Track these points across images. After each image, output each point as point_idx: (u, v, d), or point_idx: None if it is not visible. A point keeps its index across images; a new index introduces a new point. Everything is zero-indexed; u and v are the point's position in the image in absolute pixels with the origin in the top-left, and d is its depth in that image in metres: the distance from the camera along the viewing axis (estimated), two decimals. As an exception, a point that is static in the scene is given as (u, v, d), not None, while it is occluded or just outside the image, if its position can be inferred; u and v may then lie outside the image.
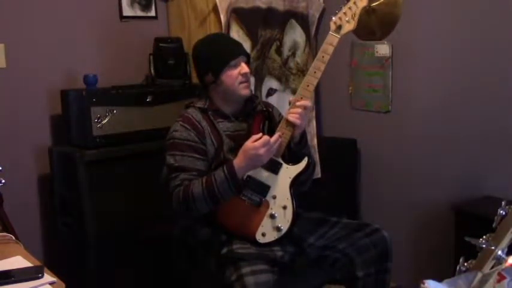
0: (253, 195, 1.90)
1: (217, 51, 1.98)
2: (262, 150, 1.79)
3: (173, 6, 3.00)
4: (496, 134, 2.43)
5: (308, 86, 1.88)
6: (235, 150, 1.93)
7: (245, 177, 1.88)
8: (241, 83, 1.96)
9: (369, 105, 2.94)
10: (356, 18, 1.86)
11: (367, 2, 1.89)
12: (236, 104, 2.03)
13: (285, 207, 1.90)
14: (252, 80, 2.79)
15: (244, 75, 1.96)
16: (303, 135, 1.96)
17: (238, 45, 2.05)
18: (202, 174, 1.88)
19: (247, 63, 2.03)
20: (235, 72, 1.95)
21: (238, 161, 1.82)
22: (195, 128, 1.94)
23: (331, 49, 1.86)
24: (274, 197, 1.91)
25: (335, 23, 1.87)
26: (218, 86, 1.98)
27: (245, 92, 1.98)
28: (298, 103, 1.87)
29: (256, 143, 1.80)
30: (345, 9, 1.86)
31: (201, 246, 2.00)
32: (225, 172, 1.82)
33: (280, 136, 1.85)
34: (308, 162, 1.93)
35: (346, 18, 1.86)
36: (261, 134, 1.83)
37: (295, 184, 1.93)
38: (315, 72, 1.87)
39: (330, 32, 1.87)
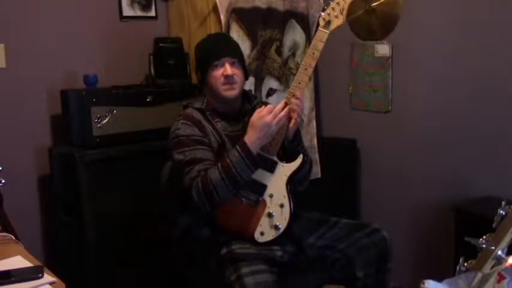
0: (250, 194, 1.90)
1: (205, 52, 2.00)
2: (269, 117, 1.79)
3: (173, 6, 3.00)
4: (496, 134, 2.43)
5: (300, 83, 1.88)
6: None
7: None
8: (223, 84, 1.95)
9: (369, 105, 2.94)
10: (345, 13, 1.87)
11: None
12: (227, 104, 2.02)
13: (282, 206, 1.90)
14: (252, 80, 2.79)
15: (226, 77, 1.94)
16: (297, 132, 1.96)
17: (226, 46, 2.02)
18: (215, 163, 1.86)
19: (242, 64, 2.02)
20: (218, 73, 1.95)
21: (248, 137, 1.82)
22: (196, 124, 1.95)
23: (321, 45, 1.86)
24: (271, 196, 1.91)
25: (324, 19, 1.88)
26: (207, 85, 2.00)
27: (228, 93, 1.96)
28: (296, 100, 1.87)
29: (262, 112, 1.80)
30: (333, 4, 1.88)
31: (201, 247, 2.00)
32: (239, 151, 1.81)
33: (286, 104, 1.84)
34: (303, 159, 1.93)
35: (335, 14, 1.87)
36: (263, 107, 1.84)
37: (292, 182, 1.93)
38: (305, 69, 1.87)
39: (320, 28, 1.88)
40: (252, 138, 1.82)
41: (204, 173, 1.83)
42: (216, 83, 1.95)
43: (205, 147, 1.91)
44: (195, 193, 1.82)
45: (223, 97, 1.97)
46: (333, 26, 1.87)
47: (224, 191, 1.81)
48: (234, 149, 1.83)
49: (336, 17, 1.87)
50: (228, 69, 1.94)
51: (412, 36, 2.69)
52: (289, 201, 1.90)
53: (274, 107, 1.83)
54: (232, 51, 2.01)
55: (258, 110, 1.83)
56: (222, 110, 2.01)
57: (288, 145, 1.93)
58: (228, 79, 1.94)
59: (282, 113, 1.83)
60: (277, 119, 1.81)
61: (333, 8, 1.87)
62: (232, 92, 1.97)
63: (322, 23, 1.88)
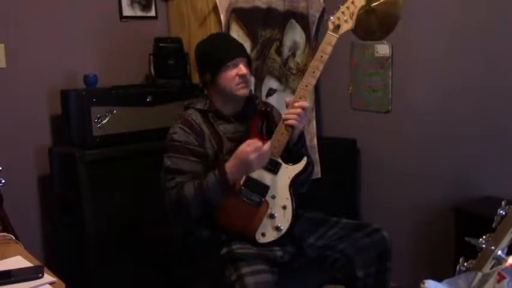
0: (252, 195, 1.90)
1: (216, 52, 1.97)
2: (252, 156, 1.76)
3: (173, 6, 3.00)
4: (496, 134, 2.43)
5: (307, 86, 1.88)
6: (234, 152, 1.93)
7: (243, 180, 1.88)
8: (238, 84, 1.95)
9: (369, 105, 2.94)
10: (354, 17, 1.87)
11: (365, 2, 1.89)
12: (235, 104, 2.02)
13: (284, 207, 1.90)
14: (252, 80, 2.79)
15: (241, 76, 1.94)
16: (301, 135, 1.95)
17: (237, 46, 2.03)
18: (197, 176, 1.87)
19: (249, 64, 2.03)
20: (232, 73, 1.94)
21: (229, 165, 1.81)
22: (194, 131, 1.94)
23: (329, 49, 1.86)
24: (273, 197, 1.91)
25: (333, 22, 1.87)
26: (216, 87, 1.98)
27: (242, 92, 1.96)
28: (296, 104, 1.87)
29: (248, 148, 1.77)
30: (343, 8, 1.87)
31: (201, 247, 2.01)
32: (216, 175, 1.81)
33: (273, 145, 1.84)
34: (307, 162, 1.93)
35: (345, 18, 1.87)
36: (255, 140, 1.80)
37: (295, 184, 1.93)
38: (313, 72, 1.87)
39: (328, 32, 1.87)
40: (232, 167, 1.81)
41: (181, 186, 1.85)
42: (229, 83, 1.94)
43: (195, 159, 1.91)
44: (168, 202, 1.87)
45: (237, 96, 1.97)
46: (342, 30, 1.88)
47: (194, 207, 1.83)
48: (212, 173, 1.83)
49: (346, 21, 1.87)
50: (243, 69, 1.95)
51: (412, 36, 2.69)
52: (291, 203, 1.90)
53: (261, 146, 1.78)
54: (243, 51, 2.02)
55: (248, 141, 1.79)
56: (226, 111, 2.01)
57: (292, 147, 1.93)
58: (243, 79, 1.95)
59: (267, 154, 1.81)
60: (260, 158, 1.79)
61: (342, 12, 1.87)
62: (246, 91, 1.98)
63: (331, 26, 1.87)
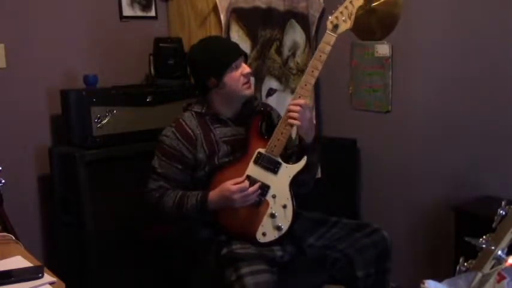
0: None
1: (218, 54, 1.96)
2: (236, 196, 1.80)
3: (173, 6, 3.00)
4: (496, 134, 2.43)
5: (306, 85, 1.89)
6: (231, 154, 1.94)
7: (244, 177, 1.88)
8: (244, 83, 1.96)
9: (369, 105, 2.94)
10: (352, 17, 1.88)
11: (363, 2, 1.90)
12: (237, 106, 2.03)
13: (285, 207, 1.90)
14: (252, 80, 2.79)
15: (246, 75, 1.96)
16: (314, 142, 1.94)
17: (236, 46, 2.04)
18: (181, 184, 1.94)
19: (246, 61, 2.04)
20: (237, 73, 1.95)
21: (213, 194, 1.85)
22: (186, 138, 1.94)
23: (328, 48, 1.87)
24: (274, 197, 1.91)
25: (332, 22, 1.88)
26: (221, 89, 1.96)
27: (249, 91, 1.98)
28: (293, 101, 1.87)
29: (234, 187, 1.80)
30: (341, 8, 1.88)
31: (201, 247, 2.01)
32: (198, 199, 1.86)
33: (260, 187, 1.86)
34: (307, 161, 1.93)
35: (343, 18, 1.88)
36: (243, 178, 1.83)
37: (296, 185, 1.93)
38: (312, 71, 1.88)
39: (327, 32, 1.88)
40: (214, 196, 1.85)
41: (163, 191, 1.93)
42: (236, 83, 1.95)
43: (180, 166, 1.94)
44: (147, 201, 1.98)
45: (243, 96, 1.99)
46: (341, 30, 1.89)
47: (169, 216, 1.94)
48: (196, 195, 1.87)
49: (344, 21, 1.88)
50: (246, 67, 1.98)
51: (412, 36, 2.69)
52: (292, 202, 1.90)
53: (247, 187, 1.81)
54: (241, 50, 2.03)
55: (236, 180, 1.82)
56: (226, 114, 2.01)
57: (307, 153, 1.92)
58: (248, 77, 1.97)
59: (252, 196, 1.83)
60: (243, 199, 1.82)
61: (341, 12, 1.88)
62: (252, 90, 2.01)
63: (330, 26, 1.88)
